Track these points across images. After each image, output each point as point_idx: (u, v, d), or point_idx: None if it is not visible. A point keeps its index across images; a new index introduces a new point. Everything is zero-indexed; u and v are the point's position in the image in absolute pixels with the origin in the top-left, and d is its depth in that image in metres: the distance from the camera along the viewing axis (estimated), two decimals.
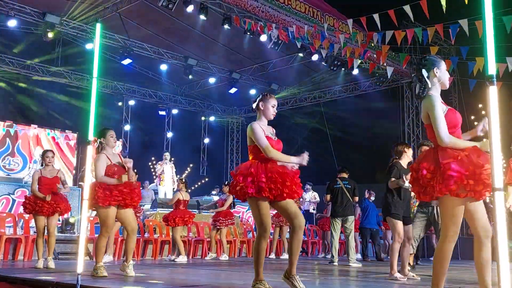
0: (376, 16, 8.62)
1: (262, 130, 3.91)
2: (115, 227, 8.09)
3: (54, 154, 7.00)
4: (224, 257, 9.34)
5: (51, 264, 6.38)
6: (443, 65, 3.31)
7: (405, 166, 5.82)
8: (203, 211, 11.77)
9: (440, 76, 3.26)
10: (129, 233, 5.39)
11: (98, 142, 5.39)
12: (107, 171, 5.24)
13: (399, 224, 5.66)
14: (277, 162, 3.88)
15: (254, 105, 4.13)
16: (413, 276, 5.66)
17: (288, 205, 3.88)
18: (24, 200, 6.70)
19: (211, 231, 9.65)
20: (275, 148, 3.89)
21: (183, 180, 9.30)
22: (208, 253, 9.75)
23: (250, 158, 3.99)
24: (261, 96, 4.12)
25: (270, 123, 4.14)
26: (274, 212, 10.89)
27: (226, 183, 10.09)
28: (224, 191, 9.90)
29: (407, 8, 8.21)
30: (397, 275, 5.50)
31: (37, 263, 6.43)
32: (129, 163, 5.39)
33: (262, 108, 4.05)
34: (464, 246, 12.88)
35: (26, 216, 8.62)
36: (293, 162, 3.91)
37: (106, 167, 5.24)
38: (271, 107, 4.05)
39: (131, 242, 5.38)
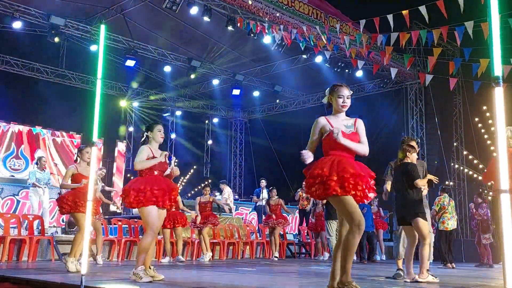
0: (390, 17, 8.64)
1: (326, 123, 3.72)
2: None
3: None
4: (208, 256, 9.29)
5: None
6: None
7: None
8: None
9: None
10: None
11: (144, 135, 5.10)
12: None
13: (427, 224, 5.23)
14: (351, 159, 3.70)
15: (324, 100, 3.94)
16: (433, 277, 5.37)
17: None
18: (58, 199, 6.24)
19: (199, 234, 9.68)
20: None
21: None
22: (202, 255, 9.71)
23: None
24: (329, 88, 3.90)
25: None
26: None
27: (204, 184, 10.28)
28: (204, 193, 9.80)
29: (422, 9, 8.22)
30: (418, 277, 5.21)
31: (68, 264, 5.86)
32: (176, 170, 5.16)
33: (331, 102, 3.86)
34: (468, 249, 12.85)
35: (30, 217, 8.63)
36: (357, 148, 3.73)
37: (146, 158, 4.91)
38: (338, 98, 3.80)
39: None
